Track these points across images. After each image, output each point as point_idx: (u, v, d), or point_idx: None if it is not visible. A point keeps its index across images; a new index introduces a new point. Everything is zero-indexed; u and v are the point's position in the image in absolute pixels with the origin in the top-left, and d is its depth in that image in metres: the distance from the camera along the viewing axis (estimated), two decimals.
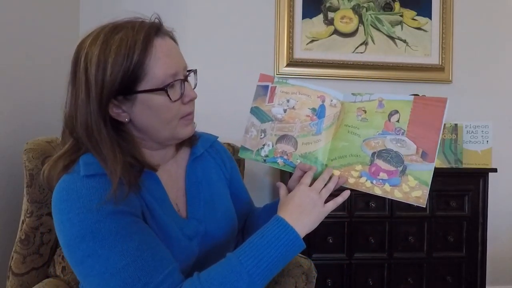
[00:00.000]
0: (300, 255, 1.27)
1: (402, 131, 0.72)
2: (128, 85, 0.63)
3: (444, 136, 1.75)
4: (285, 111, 0.81)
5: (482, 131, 1.78)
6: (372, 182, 0.74)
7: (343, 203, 1.63)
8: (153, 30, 0.65)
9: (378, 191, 0.73)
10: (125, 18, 0.67)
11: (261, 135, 0.81)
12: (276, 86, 0.82)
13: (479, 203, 1.70)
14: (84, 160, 0.64)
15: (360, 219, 1.66)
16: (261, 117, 0.82)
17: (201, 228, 0.74)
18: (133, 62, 0.61)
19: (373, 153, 0.74)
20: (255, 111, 0.82)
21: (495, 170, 1.71)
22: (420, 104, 0.72)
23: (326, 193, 0.70)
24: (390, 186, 0.72)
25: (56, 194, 0.62)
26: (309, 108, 0.79)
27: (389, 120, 0.74)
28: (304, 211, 0.66)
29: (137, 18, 0.67)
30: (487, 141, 1.77)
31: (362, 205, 1.66)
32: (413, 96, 0.74)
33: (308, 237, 1.63)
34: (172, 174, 0.77)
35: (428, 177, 0.69)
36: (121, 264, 0.57)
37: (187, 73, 0.71)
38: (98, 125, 0.63)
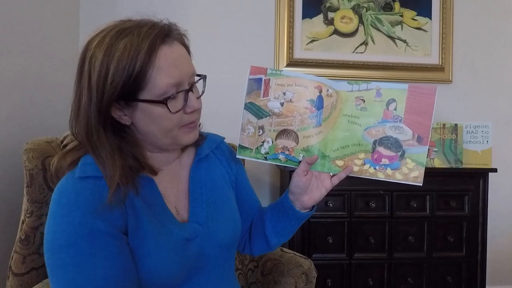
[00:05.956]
0: (300, 255, 1.27)
1: (400, 118, 0.77)
2: (129, 93, 0.62)
3: (444, 136, 1.75)
4: (282, 104, 0.78)
5: (482, 131, 1.78)
6: (375, 168, 0.78)
7: (343, 203, 1.64)
8: (160, 37, 0.63)
9: (381, 176, 0.78)
10: (136, 18, 0.66)
11: (259, 132, 0.79)
12: (270, 79, 0.79)
13: (479, 203, 1.70)
14: (83, 160, 0.65)
15: (360, 219, 1.66)
16: (257, 113, 0.79)
17: (202, 229, 0.73)
18: (134, 72, 0.60)
19: (375, 141, 0.78)
20: (250, 107, 0.79)
21: (495, 170, 1.71)
22: (413, 92, 0.77)
23: None
24: (391, 170, 0.78)
25: (53, 194, 0.63)
26: (307, 100, 0.78)
27: (388, 108, 0.78)
28: None
29: (148, 20, 0.66)
30: (487, 141, 1.77)
31: (362, 205, 1.66)
32: (407, 85, 0.78)
33: (309, 237, 1.63)
34: (175, 175, 0.76)
35: (424, 158, 0.77)
36: (92, 285, 0.58)
37: (195, 79, 0.70)
38: (97, 130, 0.63)
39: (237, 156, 0.81)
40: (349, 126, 0.78)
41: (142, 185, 0.67)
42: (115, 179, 0.61)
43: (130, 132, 0.68)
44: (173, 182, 0.75)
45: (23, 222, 1.01)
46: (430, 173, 1.69)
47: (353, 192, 1.65)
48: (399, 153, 0.77)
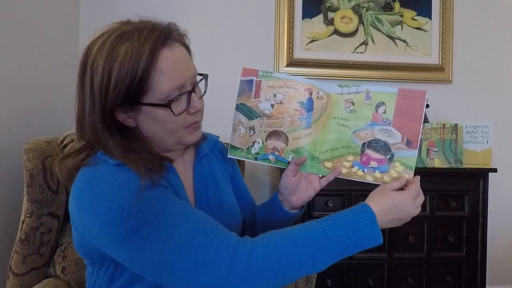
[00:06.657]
0: None
1: (389, 121, 0.77)
2: (132, 97, 0.63)
3: (444, 136, 1.74)
4: (272, 106, 0.79)
5: (482, 131, 1.78)
6: (363, 171, 0.78)
7: (343, 203, 1.64)
8: (161, 40, 0.63)
9: (369, 178, 0.78)
10: (134, 20, 0.66)
11: (250, 132, 0.80)
12: (261, 80, 0.80)
13: (479, 203, 1.70)
14: (102, 157, 0.66)
15: None
16: (248, 113, 0.80)
17: None
18: (137, 77, 0.61)
19: (363, 144, 0.78)
20: (241, 108, 0.80)
21: (495, 170, 1.71)
22: (403, 95, 0.77)
23: (419, 207, 0.70)
24: (380, 173, 0.78)
25: (83, 181, 0.63)
26: (297, 102, 0.79)
27: (377, 111, 0.78)
28: (393, 219, 0.68)
29: (147, 21, 0.66)
30: (487, 141, 1.77)
31: None
32: (397, 88, 0.78)
33: None
34: (180, 173, 0.78)
35: (413, 162, 0.76)
36: (177, 220, 0.59)
37: (197, 79, 0.71)
38: (103, 134, 0.64)
39: (228, 156, 0.82)
40: (338, 128, 0.79)
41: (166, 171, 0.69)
42: (140, 167, 0.62)
43: (136, 132, 0.69)
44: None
45: (23, 222, 1.01)
46: (430, 173, 1.69)
47: (353, 192, 1.64)
48: (388, 156, 0.77)
